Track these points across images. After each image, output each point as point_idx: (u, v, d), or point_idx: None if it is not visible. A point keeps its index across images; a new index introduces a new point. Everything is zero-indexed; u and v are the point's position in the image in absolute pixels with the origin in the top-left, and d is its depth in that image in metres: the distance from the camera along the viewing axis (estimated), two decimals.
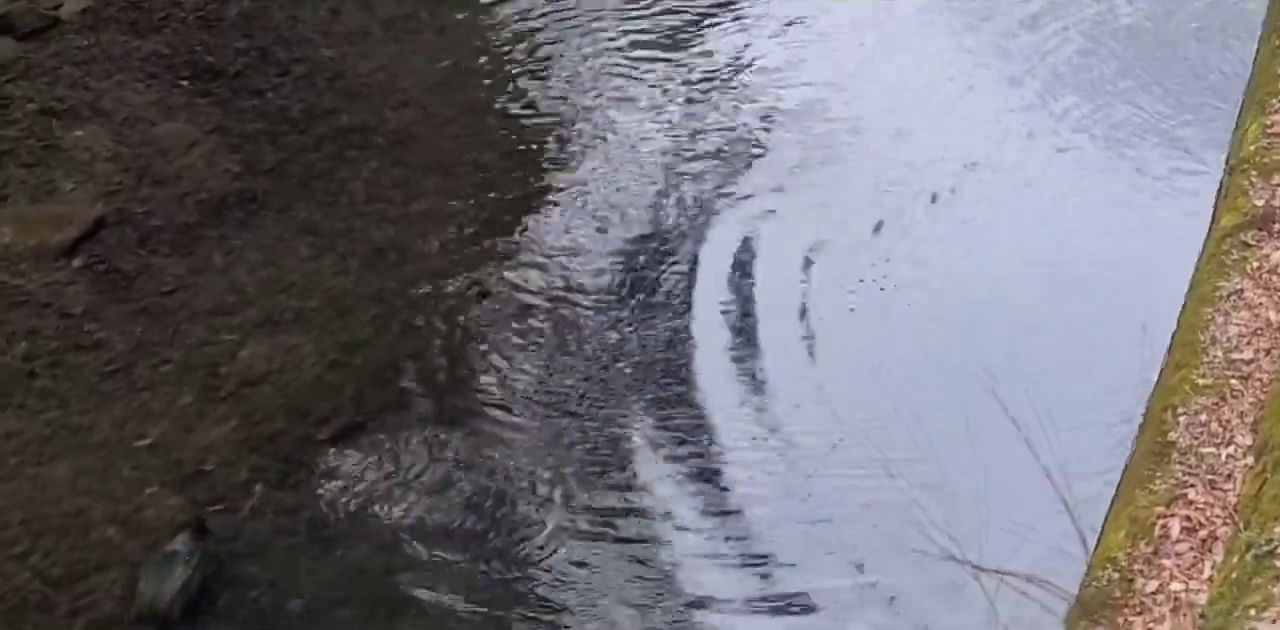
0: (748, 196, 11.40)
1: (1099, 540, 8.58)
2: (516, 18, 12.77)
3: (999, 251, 10.90)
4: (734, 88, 12.22)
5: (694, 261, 10.91)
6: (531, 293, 10.68)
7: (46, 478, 9.43)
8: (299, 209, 11.10)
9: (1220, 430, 8.71)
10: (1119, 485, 9.02)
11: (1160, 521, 8.38)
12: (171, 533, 9.04)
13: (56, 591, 8.87)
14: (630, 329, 10.43)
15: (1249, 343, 9.19)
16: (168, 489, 9.43)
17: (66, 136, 11.30)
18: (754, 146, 11.77)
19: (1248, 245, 9.81)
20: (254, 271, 10.65)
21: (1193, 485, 8.49)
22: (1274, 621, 7.12)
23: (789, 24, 12.84)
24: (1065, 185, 11.39)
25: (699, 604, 8.96)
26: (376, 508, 9.40)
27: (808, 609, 8.93)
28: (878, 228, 11.09)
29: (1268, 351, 9.03)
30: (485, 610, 8.93)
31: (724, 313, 10.57)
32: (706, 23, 12.77)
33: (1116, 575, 8.17)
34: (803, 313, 10.53)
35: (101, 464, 9.53)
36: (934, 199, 11.31)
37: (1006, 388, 9.25)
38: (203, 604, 8.79)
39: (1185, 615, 7.88)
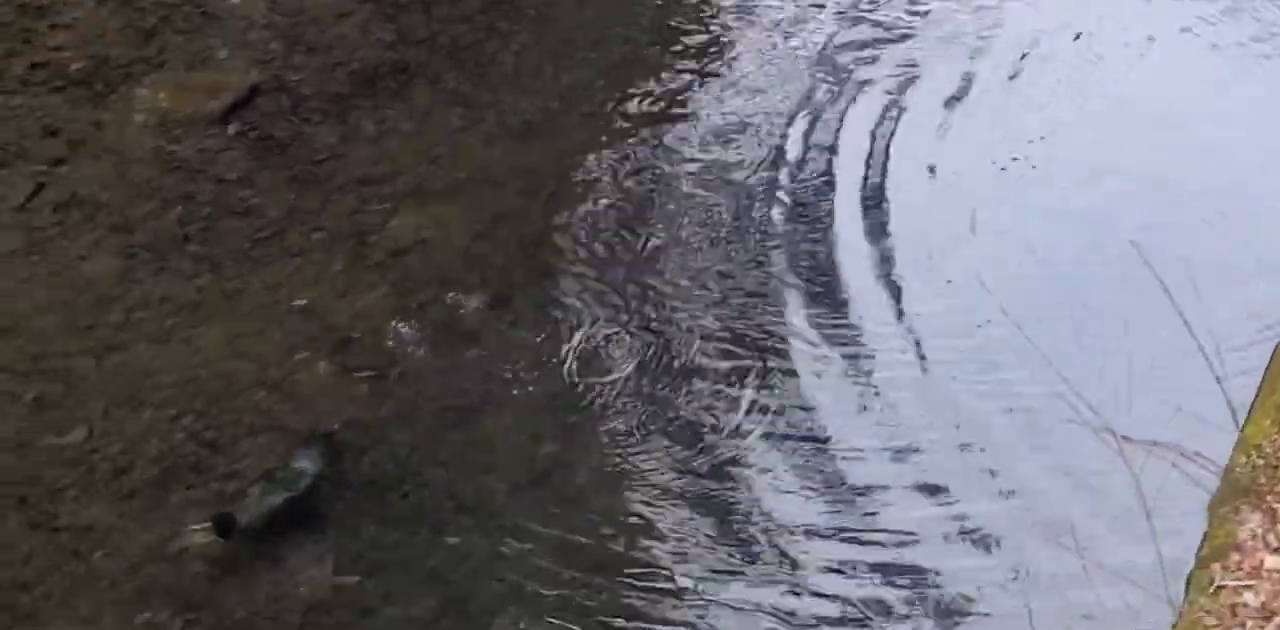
0: (892, 68, 11.35)
1: (1244, 426, 8.54)
2: None
3: (1147, 120, 10.80)
4: None
5: (839, 133, 10.88)
6: (678, 164, 10.68)
7: (199, 341, 9.61)
8: (449, 80, 11.14)
9: None
10: (1265, 373, 8.95)
11: None
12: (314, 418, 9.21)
13: (212, 454, 9.06)
14: (775, 200, 10.44)
15: None
16: (318, 354, 9.58)
17: (222, 4, 11.39)
18: (902, 24, 11.65)
19: None
20: (405, 141, 10.72)
21: None
22: None
23: None
24: (1227, 55, 11.26)
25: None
26: (523, 377, 9.51)
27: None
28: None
29: None
30: (630, 482, 9.05)
31: (866, 184, 10.57)
32: None
33: (1261, 462, 8.15)
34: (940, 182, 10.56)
35: (253, 328, 9.69)
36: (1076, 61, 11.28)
37: (1157, 260, 9.14)
38: (342, 476, 8.94)
39: None
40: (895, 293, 9.93)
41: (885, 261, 10.12)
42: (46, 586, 8.48)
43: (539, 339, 9.67)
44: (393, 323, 9.70)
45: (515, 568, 8.60)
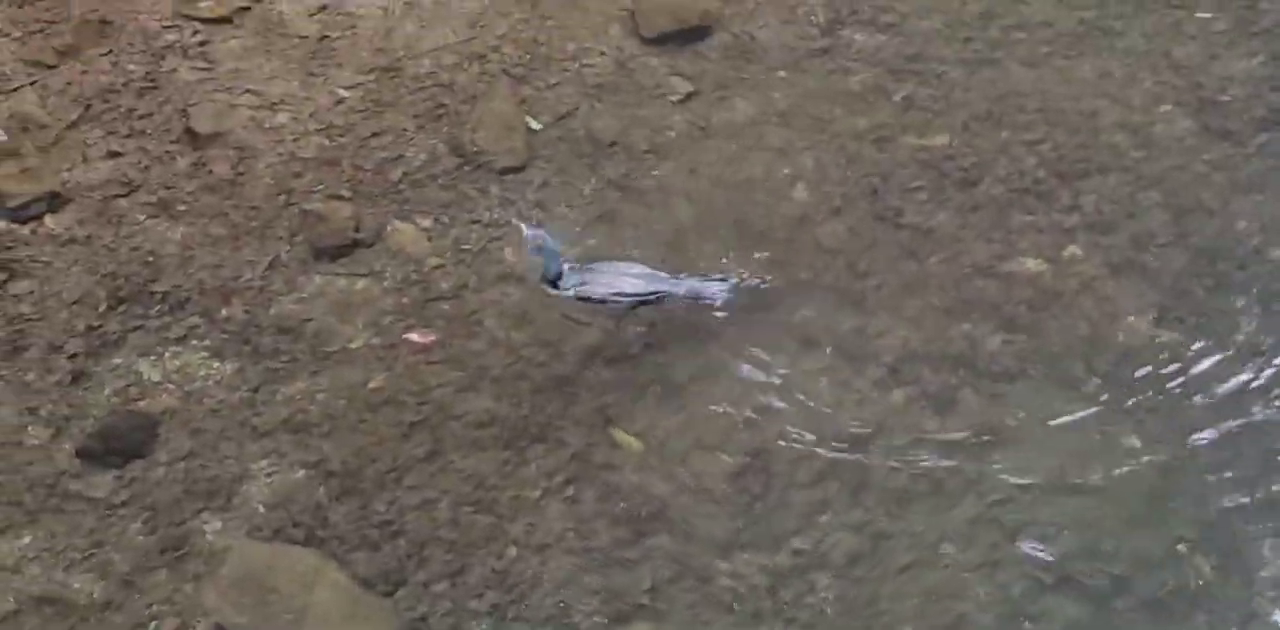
0: None
1: None
2: None
3: None
4: None
5: None
6: None
7: (1070, 73, 9.63)
8: None
9: None
10: None
11: None
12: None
13: (1059, 183, 9.25)
14: None
15: None
16: (1182, 109, 9.53)
17: None
18: None
19: None
20: None
21: None
22: None
23: None
24: None
25: None
26: None
27: None
28: None
29: None
30: None
31: None
32: None
33: None
34: None
35: (1125, 71, 9.64)
36: None
37: None
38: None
39: None
40: None
41: None
42: (879, 279, 8.90)
43: None
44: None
45: None
